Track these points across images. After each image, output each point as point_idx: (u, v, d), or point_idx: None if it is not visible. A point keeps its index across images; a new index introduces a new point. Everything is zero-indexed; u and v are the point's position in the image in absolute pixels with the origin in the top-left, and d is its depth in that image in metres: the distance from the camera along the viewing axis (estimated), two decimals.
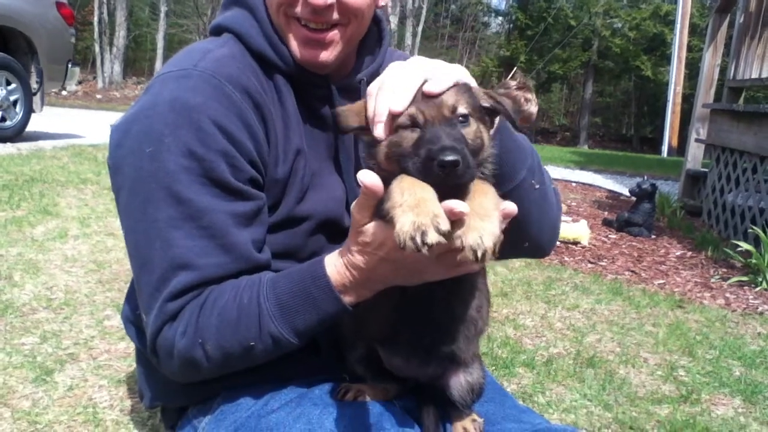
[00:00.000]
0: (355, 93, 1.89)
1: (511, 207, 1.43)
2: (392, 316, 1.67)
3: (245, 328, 1.56)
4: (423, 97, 1.41)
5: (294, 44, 1.78)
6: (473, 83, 1.53)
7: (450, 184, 1.35)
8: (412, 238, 1.25)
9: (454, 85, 1.45)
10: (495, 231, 1.32)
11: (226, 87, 1.63)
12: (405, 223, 1.28)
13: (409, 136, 1.40)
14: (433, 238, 1.25)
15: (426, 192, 1.33)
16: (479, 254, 1.29)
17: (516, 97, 1.61)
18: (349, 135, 1.87)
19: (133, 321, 1.94)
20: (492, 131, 1.56)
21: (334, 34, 1.77)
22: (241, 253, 1.62)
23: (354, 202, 1.46)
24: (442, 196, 1.34)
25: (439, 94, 1.41)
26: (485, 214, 1.34)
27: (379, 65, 1.96)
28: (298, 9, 1.72)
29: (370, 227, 1.45)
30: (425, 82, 1.42)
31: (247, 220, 1.64)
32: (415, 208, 1.29)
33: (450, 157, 1.31)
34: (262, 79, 1.76)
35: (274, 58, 1.78)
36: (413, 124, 1.40)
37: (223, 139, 1.59)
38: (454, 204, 1.31)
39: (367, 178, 1.36)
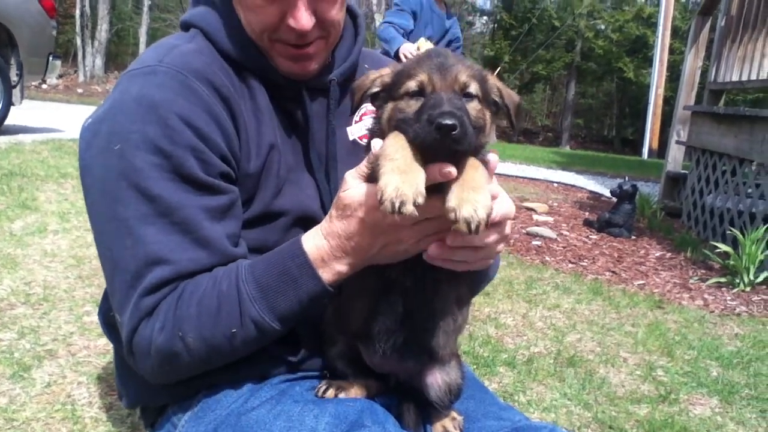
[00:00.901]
0: (325, 92, 1.91)
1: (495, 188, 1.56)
2: (370, 308, 1.67)
3: (226, 314, 1.56)
4: (438, 68, 1.49)
5: (280, 61, 1.80)
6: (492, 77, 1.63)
7: (447, 148, 1.40)
8: (392, 202, 1.32)
9: (470, 69, 1.53)
10: (487, 203, 1.39)
11: (192, 82, 1.63)
12: (390, 183, 1.34)
13: (414, 104, 1.48)
14: (408, 210, 1.32)
15: (416, 163, 1.41)
16: (473, 226, 1.35)
17: (519, 104, 1.65)
18: (319, 134, 1.88)
19: (110, 321, 1.92)
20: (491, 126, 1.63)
21: (317, 45, 1.80)
22: (216, 247, 1.61)
23: (352, 170, 1.55)
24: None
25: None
26: (478, 187, 1.40)
27: (352, 64, 1.98)
28: (282, 33, 1.73)
29: (353, 186, 1.53)
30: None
31: (219, 214, 1.63)
32: (404, 173, 1.36)
33: (448, 121, 1.37)
34: (231, 75, 1.75)
35: (243, 59, 1.78)
36: (420, 91, 1.48)
37: (191, 134, 1.58)
38: (444, 165, 1.40)
39: (377, 144, 1.48)
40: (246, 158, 1.72)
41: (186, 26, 1.85)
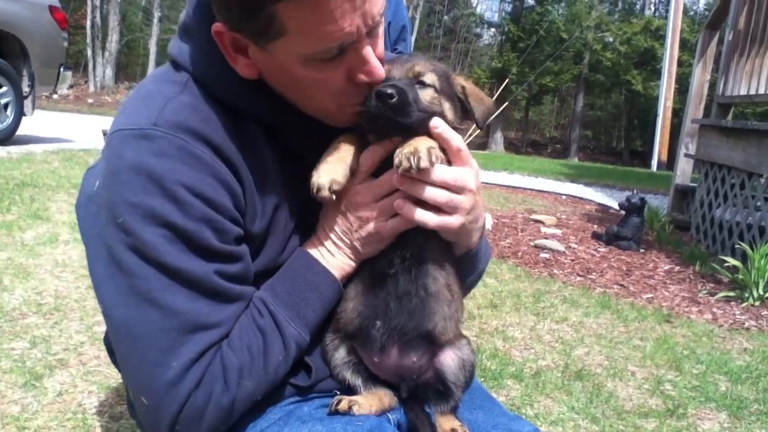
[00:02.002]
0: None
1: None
2: (363, 304, 1.70)
3: (272, 345, 1.57)
4: (399, 61, 1.64)
5: (342, 119, 1.68)
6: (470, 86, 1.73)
7: (389, 120, 1.53)
8: (312, 187, 1.58)
9: (431, 64, 1.66)
10: (429, 144, 1.53)
11: (192, 146, 1.49)
12: (315, 172, 1.59)
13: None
14: (324, 195, 1.57)
15: (345, 157, 1.61)
16: (413, 161, 1.49)
17: (489, 107, 1.70)
18: None
19: None
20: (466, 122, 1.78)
21: None
22: (246, 295, 1.60)
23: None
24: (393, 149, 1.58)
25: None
26: (421, 140, 1.55)
27: None
28: (352, 96, 1.61)
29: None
30: None
31: (238, 278, 1.58)
32: (327, 165, 1.59)
33: (385, 89, 1.49)
34: (231, 127, 1.58)
35: (240, 104, 1.63)
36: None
37: (202, 205, 1.48)
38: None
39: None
40: (251, 218, 1.63)
41: (175, 65, 1.67)
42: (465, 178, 1.62)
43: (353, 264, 1.70)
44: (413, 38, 7.69)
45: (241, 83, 1.60)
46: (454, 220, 1.63)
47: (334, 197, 1.57)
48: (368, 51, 1.52)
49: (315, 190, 1.56)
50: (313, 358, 1.77)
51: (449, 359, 1.75)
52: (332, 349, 1.79)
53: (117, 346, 1.52)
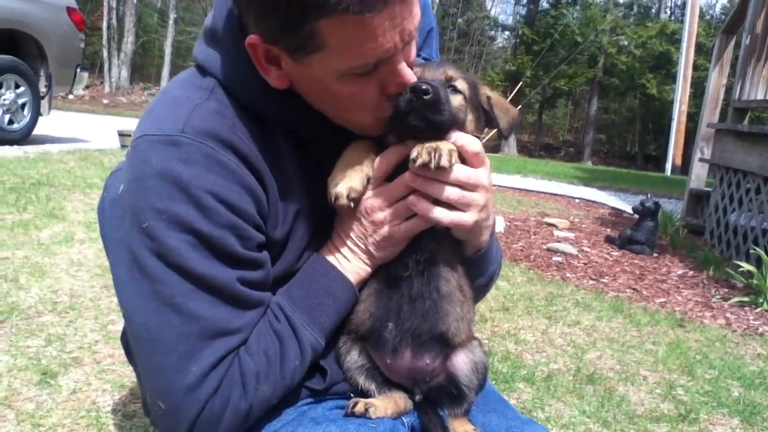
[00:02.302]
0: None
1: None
2: (375, 305, 1.71)
3: (288, 349, 1.58)
4: (431, 66, 1.67)
5: (371, 129, 1.68)
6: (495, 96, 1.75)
7: (420, 117, 1.52)
8: (329, 195, 1.59)
9: (462, 72, 1.67)
10: (450, 146, 1.54)
11: (219, 154, 1.50)
12: (333, 179, 1.61)
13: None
14: (342, 203, 1.58)
15: (362, 163, 1.62)
16: (434, 156, 1.49)
17: (515, 117, 1.70)
18: None
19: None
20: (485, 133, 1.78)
21: None
22: (266, 301, 1.63)
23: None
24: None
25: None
26: (440, 141, 1.56)
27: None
28: (384, 108, 1.61)
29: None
30: None
31: (259, 285, 1.59)
32: (343, 173, 1.60)
33: (421, 85, 1.49)
34: (256, 133, 1.60)
35: (267, 111, 1.64)
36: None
37: (227, 212, 1.49)
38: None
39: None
40: (273, 225, 1.64)
41: (202, 71, 1.66)
42: (479, 176, 1.62)
43: (369, 269, 1.70)
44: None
45: (268, 91, 1.59)
46: (467, 218, 1.63)
47: (352, 205, 1.59)
48: (403, 65, 1.54)
49: (333, 199, 1.57)
50: (328, 361, 1.78)
51: (461, 362, 1.76)
52: (345, 352, 1.80)
53: (137, 350, 1.53)
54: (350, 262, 1.69)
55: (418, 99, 1.49)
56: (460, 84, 1.64)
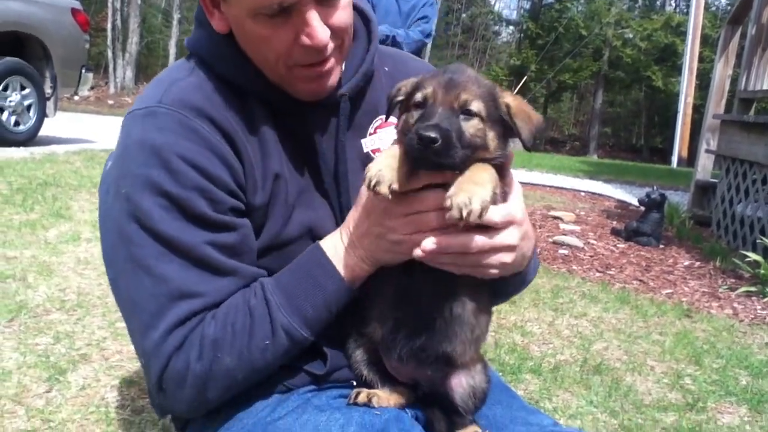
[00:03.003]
0: (335, 108, 1.83)
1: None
2: (386, 315, 1.69)
3: (259, 328, 1.58)
4: (445, 83, 1.54)
5: (300, 86, 1.73)
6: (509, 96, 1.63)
7: (430, 162, 1.47)
8: (370, 180, 1.47)
9: (477, 87, 1.56)
10: (485, 197, 1.44)
11: (192, 121, 1.60)
12: (375, 165, 1.50)
13: (416, 114, 1.56)
14: (382, 190, 1.47)
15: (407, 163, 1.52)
16: (464, 213, 1.40)
17: (538, 125, 1.62)
18: (330, 153, 1.85)
19: None
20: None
21: (334, 56, 1.73)
22: (239, 272, 1.64)
23: None
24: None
25: None
26: (478, 182, 1.47)
27: (364, 75, 1.88)
28: (297, 56, 1.66)
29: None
30: None
31: (233, 248, 1.64)
32: (390, 163, 1.50)
33: (428, 133, 1.42)
34: (234, 105, 1.70)
35: (243, 83, 1.73)
36: (423, 103, 1.55)
37: (197, 175, 1.57)
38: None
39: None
40: (252, 191, 1.70)
41: (188, 53, 1.82)
42: (513, 212, 1.59)
43: (367, 268, 1.66)
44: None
45: (244, 64, 1.71)
46: (487, 273, 1.62)
47: (390, 197, 1.49)
48: (312, 15, 1.59)
49: (373, 183, 1.47)
50: (329, 345, 1.79)
51: (459, 387, 1.76)
52: (353, 348, 1.81)
53: (122, 314, 1.65)
54: (349, 256, 1.66)
55: (426, 147, 1.43)
56: (476, 105, 1.53)
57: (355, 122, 1.91)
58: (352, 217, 1.67)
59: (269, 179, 1.73)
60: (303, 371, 1.78)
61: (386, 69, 2.02)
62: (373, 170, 1.49)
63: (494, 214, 1.53)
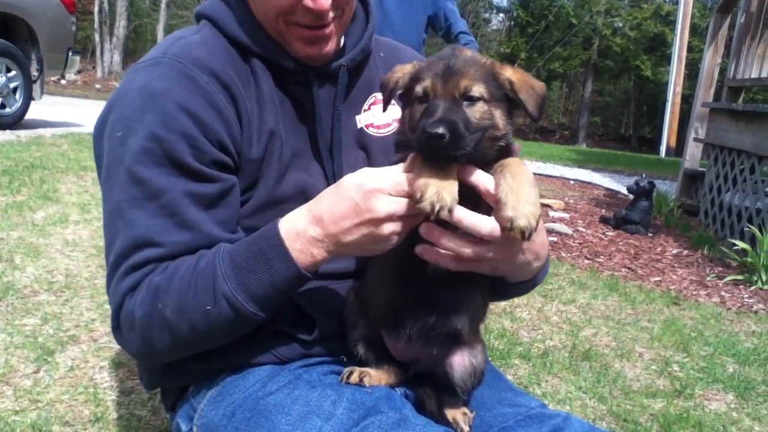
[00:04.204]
0: (334, 78, 1.90)
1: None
2: (395, 296, 1.69)
3: (201, 290, 1.57)
4: (442, 73, 1.52)
5: (296, 45, 1.80)
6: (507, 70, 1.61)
7: (441, 156, 1.45)
8: (432, 204, 1.41)
9: (476, 70, 1.54)
10: (537, 212, 1.47)
11: (191, 71, 1.67)
12: (430, 185, 1.43)
13: (420, 109, 1.53)
14: (444, 215, 1.43)
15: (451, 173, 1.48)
16: (527, 235, 1.44)
17: (541, 93, 1.61)
18: (327, 121, 1.89)
19: None
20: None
21: (333, 25, 1.80)
22: (202, 231, 1.64)
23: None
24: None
25: None
26: (530, 198, 1.47)
27: (362, 50, 1.96)
28: (298, 16, 1.73)
29: (362, 173, 1.57)
30: None
31: (207, 201, 1.66)
32: (442, 180, 1.45)
33: (435, 130, 1.41)
34: (237, 62, 1.79)
35: (248, 42, 1.79)
36: (425, 96, 1.53)
37: (187, 120, 1.63)
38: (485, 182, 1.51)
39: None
40: (248, 144, 1.75)
41: (198, 17, 1.90)
42: (485, 226, 1.52)
43: (326, 256, 1.58)
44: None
45: (247, 20, 1.80)
46: (476, 268, 1.61)
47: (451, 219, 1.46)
48: None
49: (435, 209, 1.41)
50: (318, 312, 1.81)
51: (461, 366, 1.76)
52: (351, 325, 1.82)
53: (104, 237, 1.72)
54: (314, 246, 1.57)
55: (436, 144, 1.42)
56: (477, 89, 1.51)
57: (352, 96, 1.96)
58: (332, 208, 1.55)
59: (265, 134, 1.78)
60: (291, 337, 1.80)
61: (381, 55, 2.09)
62: (429, 192, 1.42)
63: (466, 219, 1.50)
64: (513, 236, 1.45)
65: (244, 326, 1.63)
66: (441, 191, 1.42)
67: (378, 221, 1.51)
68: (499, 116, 1.56)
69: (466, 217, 1.48)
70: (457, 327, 1.71)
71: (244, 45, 1.80)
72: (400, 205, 1.50)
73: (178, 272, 1.59)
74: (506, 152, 1.60)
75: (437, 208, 1.41)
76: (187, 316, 1.58)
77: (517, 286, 1.81)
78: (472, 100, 1.51)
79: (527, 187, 1.48)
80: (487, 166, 1.54)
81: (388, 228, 1.52)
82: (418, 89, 1.53)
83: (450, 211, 1.43)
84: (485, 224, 1.50)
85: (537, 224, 1.45)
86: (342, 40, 1.96)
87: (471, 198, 1.51)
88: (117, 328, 1.68)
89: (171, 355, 1.70)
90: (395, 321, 1.71)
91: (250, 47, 1.80)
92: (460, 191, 1.47)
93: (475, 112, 1.51)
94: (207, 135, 1.65)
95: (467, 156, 1.48)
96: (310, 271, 1.59)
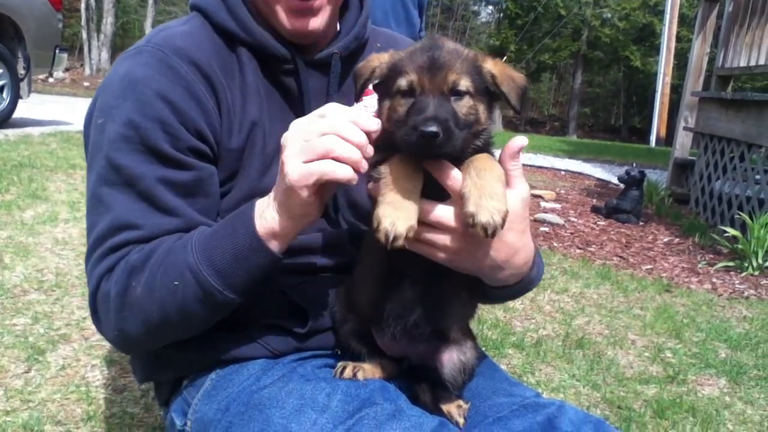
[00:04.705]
0: (326, 66, 1.88)
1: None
2: (379, 294, 1.67)
3: (172, 266, 1.55)
4: (428, 67, 1.47)
5: (282, 16, 1.77)
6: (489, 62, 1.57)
7: (433, 154, 1.43)
8: (386, 235, 1.39)
9: (461, 63, 1.49)
10: (503, 208, 1.41)
11: (171, 60, 1.68)
12: (387, 216, 1.40)
13: (405, 103, 1.48)
14: (399, 244, 1.40)
15: (413, 194, 1.45)
16: (490, 232, 1.39)
17: (521, 84, 1.58)
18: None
19: None
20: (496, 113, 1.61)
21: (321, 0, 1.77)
22: (181, 214, 1.64)
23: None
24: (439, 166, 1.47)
25: None
26: (494, 193, 1.42)
27: (356, 37, 1.93)
28: None
29: None
30: None
31: (185, 189, 1.66)
32: (399, 209, 1.42)
33: (430, 128, 1.37)
34: (222, 52, 1.78)
35: (237, 30, 1.78)
36: (410, 91, 1.47)
37: (164, 108, 1.63)
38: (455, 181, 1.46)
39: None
40: (227, 134, 1.75)
41: (191, 8, 1.89)
42: (442, 216, 1.51)
43: (279, 221, 1.53)
44: None
45: (241, 12, 1.78)
46: (430, 253, 1.56)
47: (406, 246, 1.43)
48: None
49: (390, 240, 1.39)
50: (310, 304, 1.80)
51: (450, 362, 1.75)
52: (341, 321, 1.81)
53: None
54: (267, 208, 1.55)
55: (429, 142, 1.39)
56: (464, 84, 1.48)
57: (346, 86, 1.92)
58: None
59: (246, 125, 1.77)
60: (284, 330, 1.79)
61: (378, 45, 2.04)
62: (385, 223, 1.40)
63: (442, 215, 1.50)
64: (475, 232, 1.41)
65: (212, 308, 1.58)
66: (396, 222, 1.39)
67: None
68: (482, 110, 1.53)
69: (425, 233, 1.50)
70: (440, 326, 1.70)
71: (231, 32, 1.79)
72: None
73: (155, 251, 1.59)
74: (485, 148, 1.56)
75: (391, 238, 1.38)
76: (156, 295, 1.56)
77: (497, 290, 1.74)
78: (460, 94, 1.48)
79: (492, 182, 1.44)
80: (462, 160, 1.50)
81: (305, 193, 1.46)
82: (402, 82, 1.48)
83: (405, 238, 1.40)
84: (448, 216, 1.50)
85: (503, 221, 1.40)
86: (338, 27, 1.94)
87: (442, 189, 1.50)
88: (94, 312, 1.68)
89: (146, 343, 1.68)
90: (379, 319, 1.70)
91: (238, 34, 1.79)
92: (431, 183, 1.47)
93: (462, 107, 1.48)
94: (184, 123, 1.65)
95: (452, 154, 1.45)
96: (274, 247, 1.55)
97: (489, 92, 1.55)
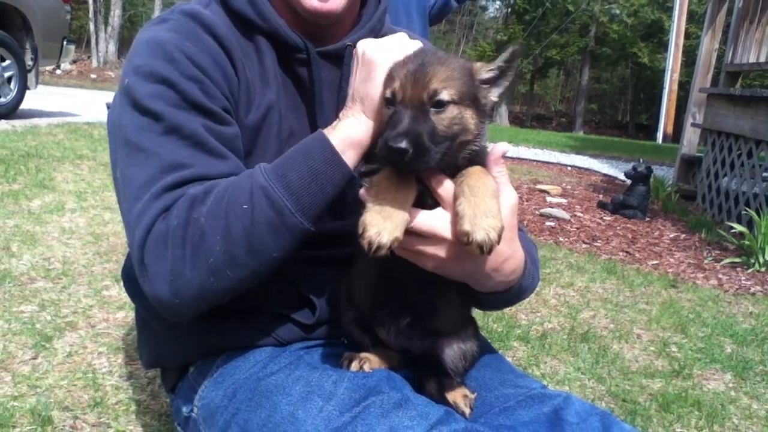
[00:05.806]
0: (339, 59, 1.85)
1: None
2: (372, 295, 1.69)
3: (238, 191, 1.50)
4: (412, 75, 1.43)
5: None
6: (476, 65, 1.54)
7: (407, 169, 1.41)
8: (370, 243, 1.35)
9: (446, 71, 1.45)
10: (498, 225, 1.39)
11: (198, 30, 1.68)
12: (372, 225, 1.37)
13: (387, 113, 1.46)
14: (381, 254, 1.36)
15: (405, 203, 1.42)
16: (486, 249, 1.38)
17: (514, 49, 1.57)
18: (330, 103, 1.84)
19: (133, 277, 1.75)
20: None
21: None
22: (232, 159, 1.61)
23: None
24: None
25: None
26: (489, 210, 1.40)
27: (371, 30, 1.91)
28: None
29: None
30: None
31: (227, 142, 1.62)
32: (387, 218, 1.38)
33: (398, 144, 1.33)
34: (240, 38, 1.77)
35: (254, 16, 1.77)
36: (393, 100, 1.44)
37: (194, 68, 1.62)
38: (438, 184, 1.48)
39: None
40: (245, 109, 1.73)
41: None
42: (436, 227, 1.49)
43: (357, 125, 1.56)
44: None
45: (260, 1, 1.78)
46: (418, 261, 1.55)
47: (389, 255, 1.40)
48: None
49: (372, 249, 1.36)
50: (318, 296, 1.81)
51: (450, 350, 1.76)
52: (344, 310, 1.81)
53: (118, 199, 1.65)
54: (341, 121, 1.58)
55: (399, 159, 1.35)
56: (447, 93, 1.42)
57: None
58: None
59: (264, 105, 1.76)
60: (291, 321, 1.79)
61: None
62: (371, 231, 1.37)
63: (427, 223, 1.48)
64: (471, 251, 1.39)
65: (282, 237, 1.51)
66: (382, 232, 1.36)
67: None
68: (470, 117, 1.47)
69: (415, 242, 1.48)
70: (434, 328, 1.71)
71: (249, 20, 1.77)
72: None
73: (218, 183, 1.52)
74: (480, 155, 1.53)
75: (374, 248, 1.35)
76: (221, 222, 1.47)
77: (488, 297, 1.72)
78: (441, 105, 1.42)
79: (486, 199, 1.41)
80: (458, 170, 1.48)
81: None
82: (387, 91, 1.45)
83: (388, 248, 1.37)
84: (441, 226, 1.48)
85: (499, 237, 1.38)
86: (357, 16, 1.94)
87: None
88: (141, 263, 1.51)
89: (201, 295, 1.51)
90: (374, 318, 1.71)
91: (255, 21, 1.77)
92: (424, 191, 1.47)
93: (444, 119, 1.42)
94: (216, 85, 1.65)
95: (430, 167, 1.42)
96: (344, 152, 1.55)
97: (476, 99, 1.50)
